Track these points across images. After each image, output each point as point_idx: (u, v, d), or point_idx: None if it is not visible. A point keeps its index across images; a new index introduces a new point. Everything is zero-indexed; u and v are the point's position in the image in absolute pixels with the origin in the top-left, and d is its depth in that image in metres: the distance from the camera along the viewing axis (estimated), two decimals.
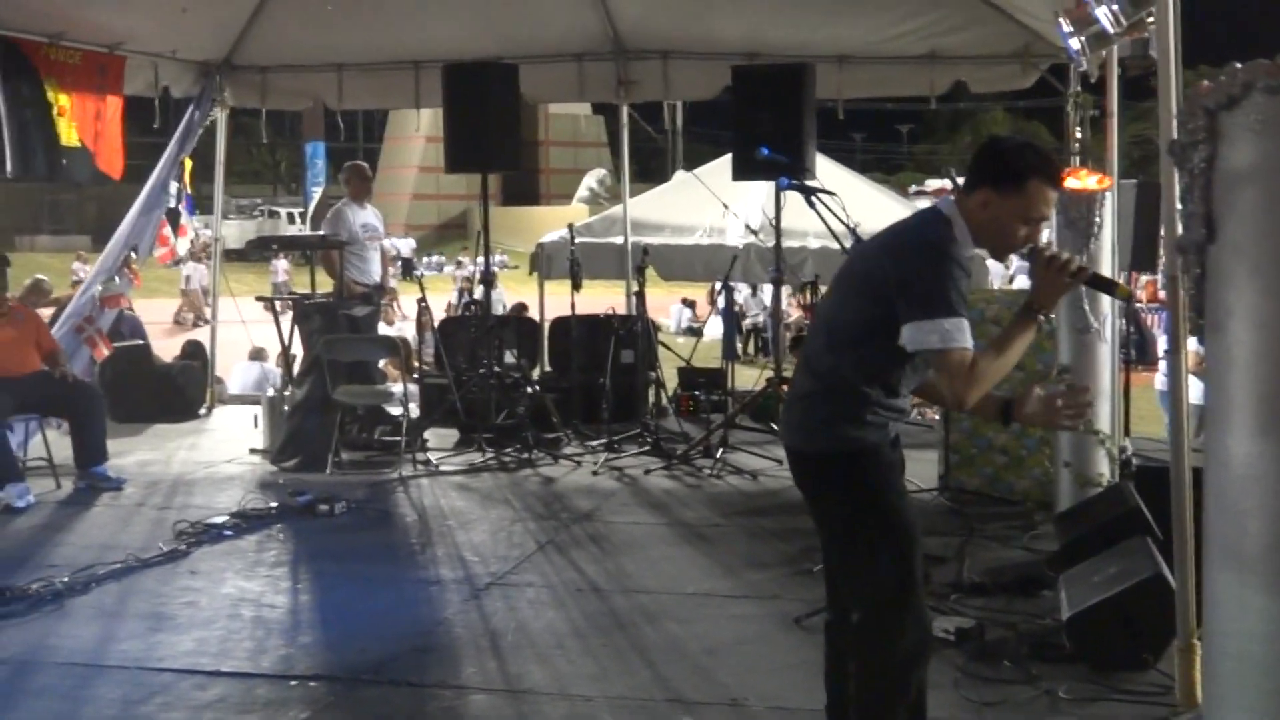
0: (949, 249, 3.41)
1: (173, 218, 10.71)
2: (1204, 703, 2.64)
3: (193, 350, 11.55)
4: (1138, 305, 17.15)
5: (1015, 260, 6.51)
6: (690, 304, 27.53)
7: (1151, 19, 5.08)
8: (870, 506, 3.54)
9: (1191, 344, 4.95)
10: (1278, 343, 2.34)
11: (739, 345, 21.07)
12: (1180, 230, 2.51)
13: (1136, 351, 13.24)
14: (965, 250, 3.46)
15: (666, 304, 24.18)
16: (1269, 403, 2.35)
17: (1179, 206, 2.48)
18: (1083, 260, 3.51)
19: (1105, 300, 6.62)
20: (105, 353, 10.02)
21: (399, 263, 28.03)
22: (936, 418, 8.71)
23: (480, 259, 10.01)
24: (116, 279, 10.06)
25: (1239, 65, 2.33)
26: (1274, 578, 2.36)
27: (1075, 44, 6.18)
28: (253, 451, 9.19)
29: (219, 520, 7.10)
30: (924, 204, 3.80)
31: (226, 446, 9.49)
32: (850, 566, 3.61)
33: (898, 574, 3.52)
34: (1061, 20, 6.19)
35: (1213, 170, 2.41)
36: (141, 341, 11.15)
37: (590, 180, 47.32)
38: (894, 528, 3.53)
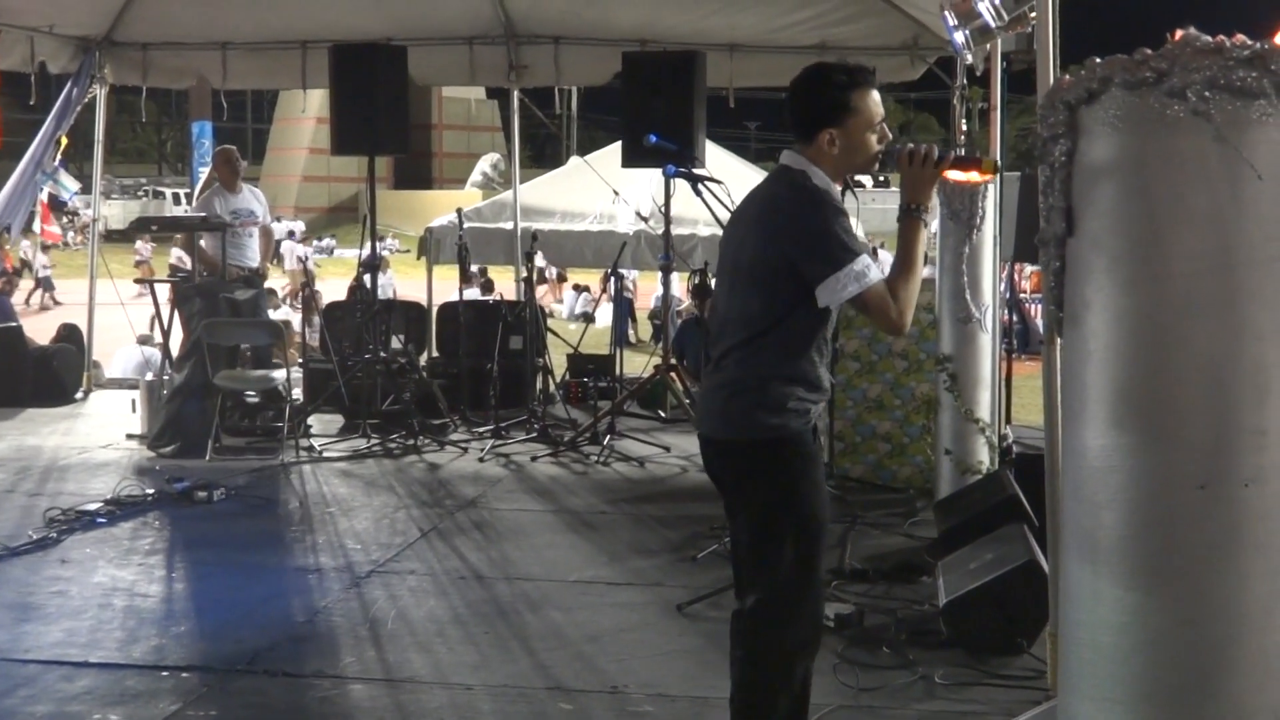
0: (823, 196, 3.46)
1: (54, 199, 10.43)
2: (1059, 691, 2.68)
3: (68, 333, 11.26)
4: (1021, 295, 17.40)
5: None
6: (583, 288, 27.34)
7: (1033, 13, 5.15)
8: (785, 497, 3.52)
9: None
10: (1133, 336, 2.37)
11: (631, 332, 21.04)
12: (1042, 223, 2.54)
13: (1019, 341, 13.48)
14: (834, 192, 3.51)
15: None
16: (1124, 396, 2.38)
17: (1041, 199, 2.51)
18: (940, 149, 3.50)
19: (987, 290, 6.72)
20: None
21: (278, 245, 27.48)
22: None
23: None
24: None
25: (1099, 60, 2.36)
26: (1127, 569, 2.39)
27: (960, 37, 6.26)
28: (129, 437, 8.96)
29: (92, 507, 6.92)
30: None
31: (102, 432, 9.26)
32: (755, 553, 3.59)
33: (799, 567, 3.52)
34: (946, 13, 6.26)
35: (1072, 164, 2.44)
36: (14, 324, 10.85)
37: (484, 165, 46.84)
38: (803, 520, 3.52)
